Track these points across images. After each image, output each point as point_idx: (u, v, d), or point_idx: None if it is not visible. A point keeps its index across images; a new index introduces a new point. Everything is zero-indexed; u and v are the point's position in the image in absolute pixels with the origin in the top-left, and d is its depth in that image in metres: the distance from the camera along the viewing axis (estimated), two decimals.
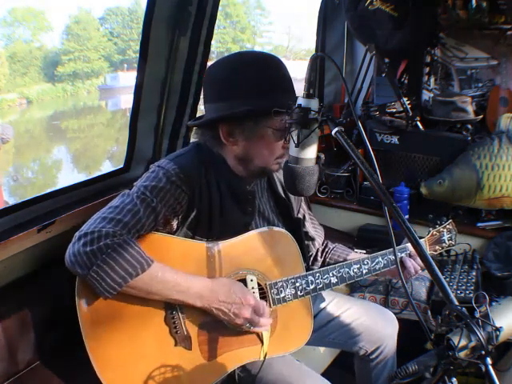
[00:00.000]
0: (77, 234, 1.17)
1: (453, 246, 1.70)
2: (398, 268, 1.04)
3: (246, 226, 1.39)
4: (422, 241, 1.59)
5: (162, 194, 1.24)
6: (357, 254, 1.67)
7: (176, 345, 1.25)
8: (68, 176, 13.70)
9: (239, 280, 1.32)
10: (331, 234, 2.31)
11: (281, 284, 1.34)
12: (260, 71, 1.28)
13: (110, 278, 1.13)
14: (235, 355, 1.31)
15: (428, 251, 1.61)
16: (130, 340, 1.22)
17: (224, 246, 1.31)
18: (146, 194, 1.23)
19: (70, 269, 1.17)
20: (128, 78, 24.52)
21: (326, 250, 1.68)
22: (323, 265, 1.65)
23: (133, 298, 1.20)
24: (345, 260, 1.62)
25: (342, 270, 1.43)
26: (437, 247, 1.66)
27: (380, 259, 1.49)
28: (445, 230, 1.68)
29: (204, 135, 1.36)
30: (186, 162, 1.31)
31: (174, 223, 1.30)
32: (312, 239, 1.59)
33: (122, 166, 1.89)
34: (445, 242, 1.67)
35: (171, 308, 1.25)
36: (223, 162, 1.36)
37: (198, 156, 1.34)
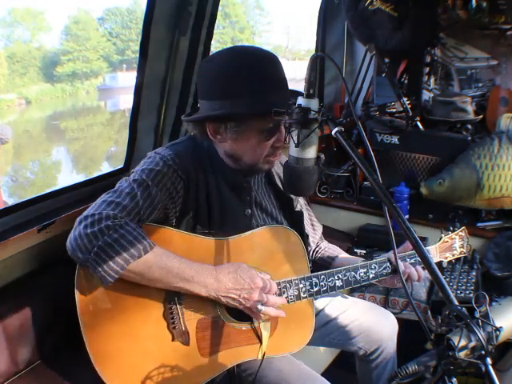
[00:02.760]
0: (77, 219, 1.17)
1: (464, 254, 1.61)
2: (397, 267, 1.04)
3: (247, 216, 1.39)
4: (432, 247, 1.55)
5: (160, 177, 1.24)
6: (347, 255, 1.66)
7: (173, 340, 1.24)
8: (67, 176, 13.69)
9: None
10: (331, 233, 2.31)
11: (284, 284, 1.33)
12: (242, 72, 1.23)
13: (111, 259, 1.11)
14: (233, 353, 1.30)
15: (438, 258, 1.56)
16: (127, 333, 1.21)
17: (229, 241, 1.30)
18: (142, 178, 1.23)
19: (71, 256, 1.16)
20: (127, 79, 24.50)
21: (317, 249, 1.67)
22: (313, 262, 1.65)
23: (132, 290, 1.19)
24: (336, 257, 1.62)
25: (347, 274, 1.39)
26: (447, 254, 1.57)
27: (388, 264, 1.45)
28: (457, 236, 1.59)
29: (195, 130, 1.36)
30: (182, 149, 1.33)
31: (172, 213, 1.29)
32: (306, 236, 1.57)
33: (121, 166, 1.90)
34: (456, 250, 1.59)
35: (170, 302, 1.24)
36: (216, 153, 1.36)
37: (194, 145, 1.36)
